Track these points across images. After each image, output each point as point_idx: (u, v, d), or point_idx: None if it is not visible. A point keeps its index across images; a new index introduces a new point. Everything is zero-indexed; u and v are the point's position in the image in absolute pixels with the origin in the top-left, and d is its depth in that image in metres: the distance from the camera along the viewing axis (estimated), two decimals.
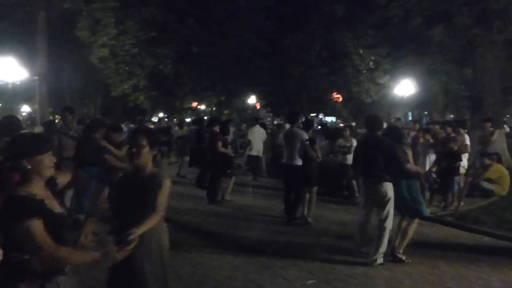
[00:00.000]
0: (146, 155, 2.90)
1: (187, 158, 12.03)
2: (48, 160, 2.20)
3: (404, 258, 5.43)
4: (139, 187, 2.87)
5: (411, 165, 5.45)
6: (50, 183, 2.30)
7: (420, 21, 14.81)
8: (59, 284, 2.18)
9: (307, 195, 7.48)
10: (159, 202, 2.82)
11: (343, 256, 5.60)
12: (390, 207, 5.37)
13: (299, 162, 7.22)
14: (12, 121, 5.99)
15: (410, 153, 5.73)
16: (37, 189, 2.16)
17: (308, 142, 7.19)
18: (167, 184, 2.91)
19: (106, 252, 2.21)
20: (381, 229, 5.33)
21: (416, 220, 5.54)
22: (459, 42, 20.89)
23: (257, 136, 11.11)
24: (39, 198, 2.13)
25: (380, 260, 5.30)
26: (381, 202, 5.36)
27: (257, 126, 11.69)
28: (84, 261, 2.12)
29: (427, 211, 5.70)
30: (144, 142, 2.88)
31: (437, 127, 11.10)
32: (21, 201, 2.04)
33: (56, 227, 2.13)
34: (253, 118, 15.55)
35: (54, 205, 2.23)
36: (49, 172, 2.23)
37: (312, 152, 7.25)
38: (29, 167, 2.12)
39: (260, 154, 11.66)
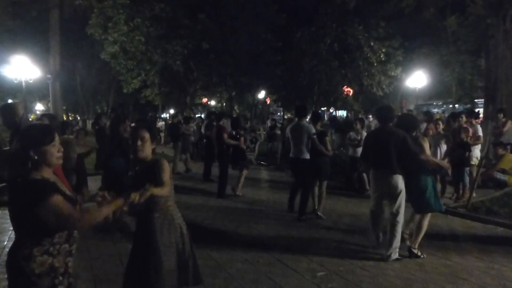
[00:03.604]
0: (148, 148, 3.10)
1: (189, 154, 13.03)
2: (53, 150, 2.29)
3: (419, 253, 5.28)
4: (145, 173, 3.03)
5: (427, 156, 5.17)
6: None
7: (433, 12, 14.63)
8: (68, 264, 2.33)
9: (316, 189, 7.37)
10: (164, 179, 2.94)
11: (354, 248, 5.61)
12: (402, 200, 5.19)
13: (307, 156, 7.06)
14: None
15: (426, 144, 5.39)
16: (47, 175, 2.27)
17: (315, 136, 7.02)
18: (165, 164, 3.04)
19: (125, 198, 2.43)
20: (393, 223, 5.18)
21: (429, 215, 5.36)
22: (473, 32, 20.61)
23: None
24: (52, 180, 2.25)
25: (394, 255, 5.16)
26: (393, 195, 5.19)
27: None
28: (107, 213, 2.33)
29: (440, 206, 5.37)
30: (147, 136, 3.07)
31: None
32: (39, 183, 2.16)
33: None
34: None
35: (65, 189, 2.35)
36: (56, 161, 2.33)
37: (321, 146, 7.06)
38: (36, 157, 2.21)
39: None
